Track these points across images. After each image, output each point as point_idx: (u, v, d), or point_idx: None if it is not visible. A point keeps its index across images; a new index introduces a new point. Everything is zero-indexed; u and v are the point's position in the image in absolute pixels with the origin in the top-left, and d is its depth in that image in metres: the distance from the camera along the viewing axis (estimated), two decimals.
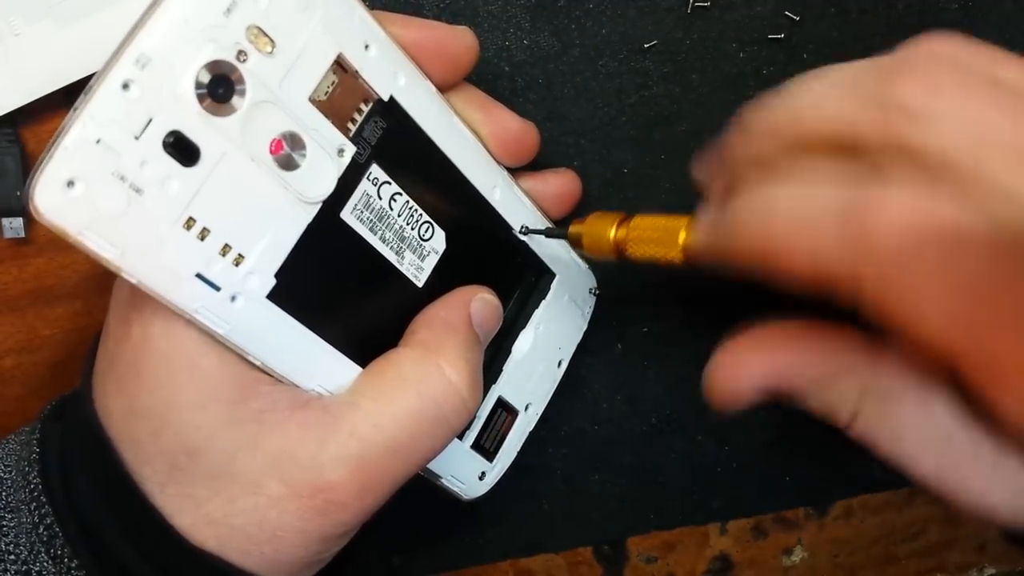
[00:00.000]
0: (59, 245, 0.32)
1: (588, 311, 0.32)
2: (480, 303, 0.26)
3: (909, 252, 0.17)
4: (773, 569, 0.37)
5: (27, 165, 0.30)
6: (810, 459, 0.35)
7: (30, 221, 0.31)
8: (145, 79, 0.19)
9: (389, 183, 0.24)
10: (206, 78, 0.20)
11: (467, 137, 0.26)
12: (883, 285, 0.18)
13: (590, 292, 0.32)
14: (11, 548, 0.23)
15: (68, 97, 0.30)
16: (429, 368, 0.24)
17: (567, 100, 0.30)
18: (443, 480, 0.29)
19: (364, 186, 0.24)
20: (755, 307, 0.35)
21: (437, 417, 0.24)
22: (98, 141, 0.19)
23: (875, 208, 0.18)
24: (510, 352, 0.30)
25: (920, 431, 0.21)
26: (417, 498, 0.35)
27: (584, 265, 0.32)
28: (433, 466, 0.28)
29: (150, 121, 0.20)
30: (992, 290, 0.17)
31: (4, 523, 0.23)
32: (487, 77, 0.30)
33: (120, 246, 0.20)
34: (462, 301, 0.26)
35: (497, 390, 0.29)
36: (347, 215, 0.24)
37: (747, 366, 0.22)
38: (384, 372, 0.24)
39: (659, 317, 0.34)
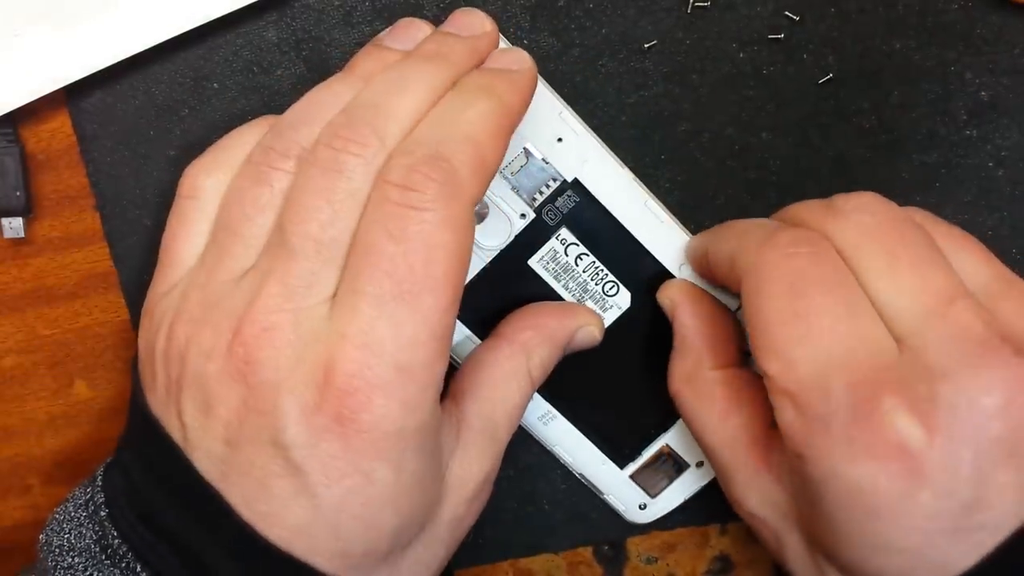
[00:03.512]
0: (59, 245, 0.32)
1: None
2: (585, 336, 0.30)
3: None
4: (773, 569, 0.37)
5: (27, 165, 0.30)
6: None
7: (30, 221, 0.31)
8: None
9: (576, 244, 0.30)
10: None
11: (661, 218, 0.30)
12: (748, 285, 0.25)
13: None
14: None
15: (68, 97, 0.30)
16: (522, 371, 0.28)
17: (567, 100, 0.30)
18: (605, 496, 0.34)
19: (552, 244, 0.30)
20: None
21: (528, 401, 0.29)
22: None
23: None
24: None
25: (721, 427, 0.28)
26: None
27: None
28: (597, 483, 0.33)
29: None
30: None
31: None
32: None
33: None
34: (572, 323, 0.30)
35: (664, 439, 0.33)
36: (534, 263, 0.30)
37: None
38: (493, 374, 0.28)
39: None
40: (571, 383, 0.32)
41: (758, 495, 0.27)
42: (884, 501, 0.22)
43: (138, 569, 0.23)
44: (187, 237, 0.25)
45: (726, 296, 0.30)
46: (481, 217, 0.29)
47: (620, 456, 0.33)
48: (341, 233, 0.23)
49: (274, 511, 0.22)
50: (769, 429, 0.28)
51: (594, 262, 0.30)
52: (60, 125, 0.30)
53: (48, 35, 0.28)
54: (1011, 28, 0.31)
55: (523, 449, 0.34)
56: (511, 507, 0.35)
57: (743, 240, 0.26)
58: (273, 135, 0.25)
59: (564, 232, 0.30)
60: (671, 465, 0.33)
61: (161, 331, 0.24)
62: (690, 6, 0.30)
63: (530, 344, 0.29)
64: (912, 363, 0.22)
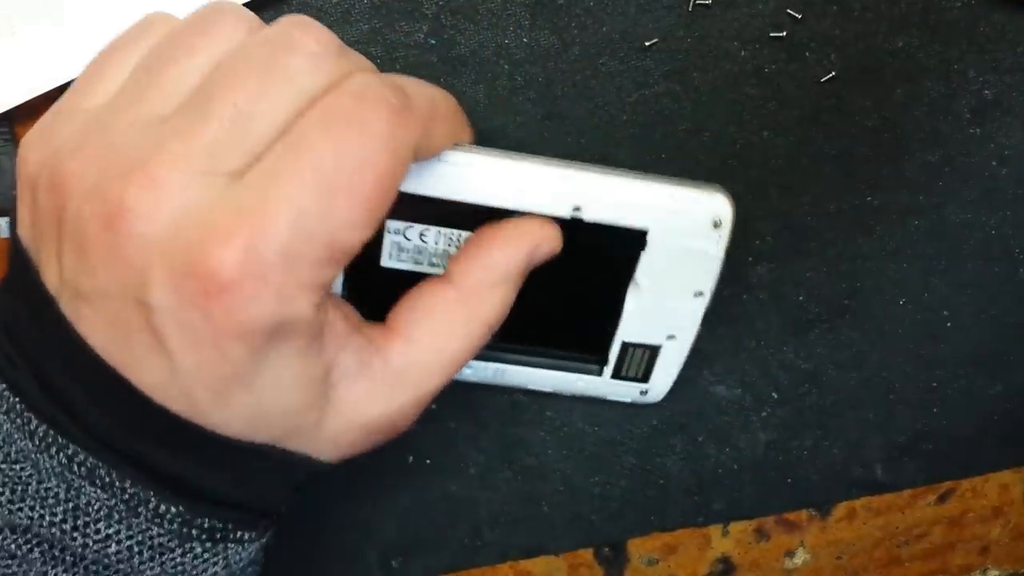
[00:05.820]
0: None
1: (719, 242, 0.30)
2: (545, 251, 0.27)
3: None
4: (775, 571, 0.37)
5: None
6: (812, 460, 0.35)
7: None
8: None
9: (411, 227, 0.29)
10: None
11: (460, 168, 0.27)
12: None
13: (713, 225, 0.30)
14: None
15: None
16: (473, 320, 0.27)
17: (567, 99, 0.30)
18: (606, 398, 0.34)
19: (389, 238, 0.29)
20: (742, 303, 0.35)
21: (475, 350, 0.27)
22: None
23: None
24: (622, 306, 0.31)
25: None
26: (417, 500, 0.35)
27: (707, 197, 0.29)
28: (588, 394, 0.33)
29: None
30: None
31: None
32: (486, 76, 0.30)
33: None
34: (524, 247, 0.27)
35: (619, 337, 0.32)
36: (387, 262, 0.29)
37: None
38: (435, 323, 0.26)
39: None
40: (503, 333, 0.30)
41: None
42: None
43: None
44: (113, 70, 0.24)
45: None
46: None
47: (591, 367, 0.32)
48: (267, 116, 0.22)
49: (132, 363, 0.22)
50: None
51: (439, 231, 0.29)
52: None
53: (45, 33, 0.28)
54: (1014, 26, 0.31)
55: (523, 449, 0.34)
56: (511, 508, 0.35)
57: None
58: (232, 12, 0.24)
59: (391, 223, 0.29)
60: (643, 351, 0.32)
61: (50, 159, 0.23)
62: (691, 4, 0.30)
63: (481, 289, 0.27)
64: None
